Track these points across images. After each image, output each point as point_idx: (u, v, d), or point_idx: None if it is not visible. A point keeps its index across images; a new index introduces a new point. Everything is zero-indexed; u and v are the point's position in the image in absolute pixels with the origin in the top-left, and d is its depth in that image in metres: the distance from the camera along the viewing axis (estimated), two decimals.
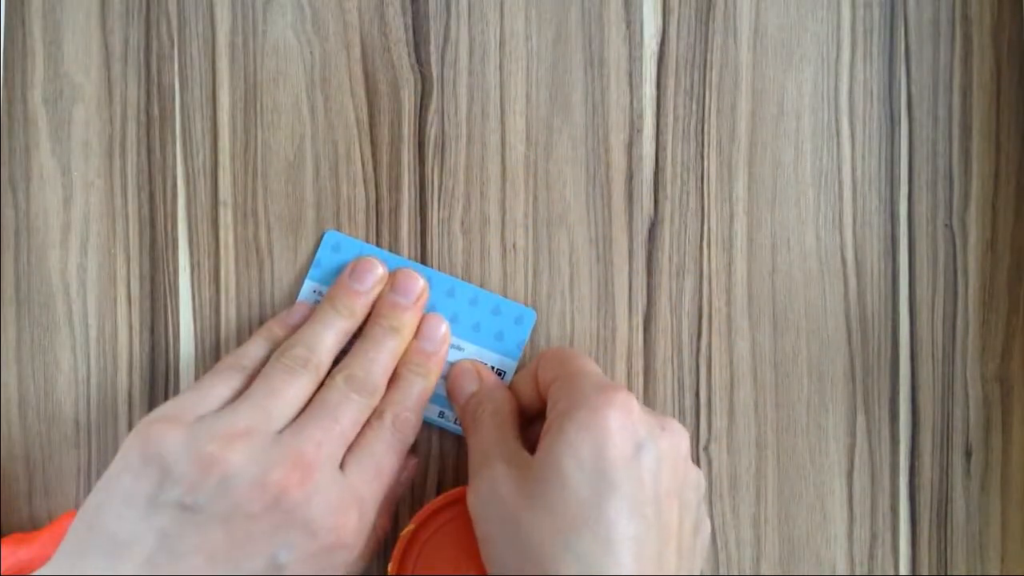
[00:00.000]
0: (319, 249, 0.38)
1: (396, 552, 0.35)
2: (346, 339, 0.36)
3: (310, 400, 0.34)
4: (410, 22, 0.38)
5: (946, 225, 0.39)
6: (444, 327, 0.37)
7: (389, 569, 0.35)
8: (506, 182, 0.38)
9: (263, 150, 0.38)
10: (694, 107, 0.39)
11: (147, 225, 0.38)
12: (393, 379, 0.36)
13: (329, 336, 0.35)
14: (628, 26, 0.38)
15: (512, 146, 0.38)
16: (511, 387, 0.37)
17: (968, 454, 0.39)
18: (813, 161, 0.39)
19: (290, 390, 0.34)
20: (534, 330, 0.38)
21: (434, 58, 0.38)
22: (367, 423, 0.35)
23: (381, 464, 0.34)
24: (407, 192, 0.38)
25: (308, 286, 0.38)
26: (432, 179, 0.38)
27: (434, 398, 0.38)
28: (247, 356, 0.35)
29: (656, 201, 0.39)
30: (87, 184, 0.38)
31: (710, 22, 0.38)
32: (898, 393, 0.39)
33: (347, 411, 0.34)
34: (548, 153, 0.38)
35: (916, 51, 0.39)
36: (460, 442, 0.38)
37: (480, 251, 0.38)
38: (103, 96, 0.38)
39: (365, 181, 0.38)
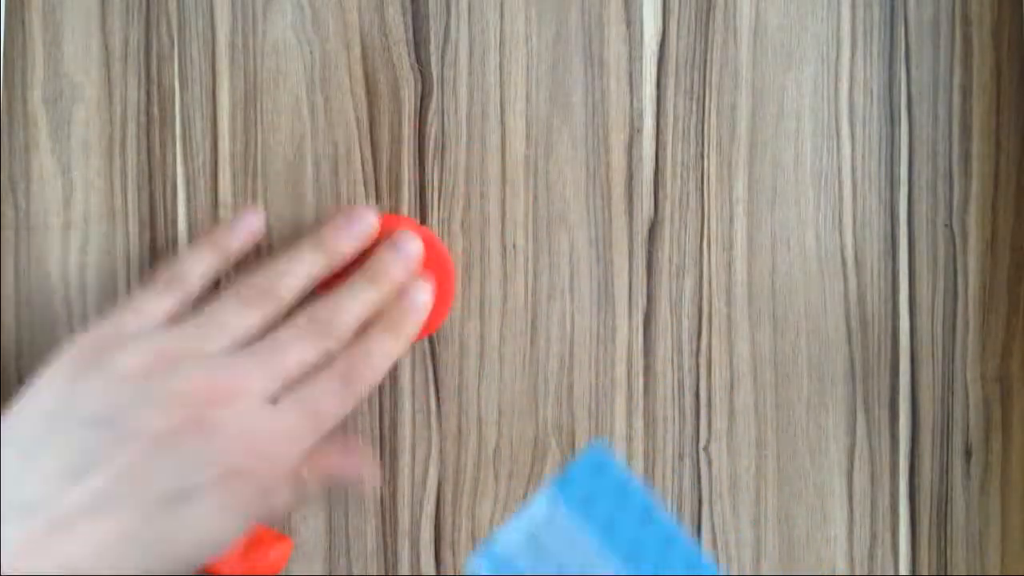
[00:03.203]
0: None
1: None
2: (317, 278, 0.35)
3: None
4: (410, 22, 0.38)
5: (946, 225, 0.39)
6: (428, 292, 0.35)
7: None
8: (506, 182, 0.38)
9: (263, 150, 0.38)
10: (694, 107, 0.39)
11: (147, 225, 0.38)
12: (362, 333, 0.34)
13: (298, 269, 0.34)
14: (628, 26, 0.38)
15: (512, 146, 0.38)
16: None
17: (968, 454, 0.39)
18: (813, 161, 0.39)
19: (236, 320, 0.32)
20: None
21: (434, 58, 0.38)
22: (318, 367, 0.33)
23: (320, 410, 0.32)
24: (407, 192, 0.38)
25: None
26: (432, 179, 0.38)
27: None
28: (186, 272, 0.34)
29: (656, 201, 0.39)
30: (87, 184, 0.38)
31: (710, 22, 0.39)
32: (898, 393, 0.39)
33: (296, 350, 0.32)
34: (548, 153, 0.38)
35: (916, 51, 0.39)
36: (460, 442, 0.38)
37: (480, 251, 0.38)
38: (103, 96, 0.38)
39: (365, 181, 0.38)
